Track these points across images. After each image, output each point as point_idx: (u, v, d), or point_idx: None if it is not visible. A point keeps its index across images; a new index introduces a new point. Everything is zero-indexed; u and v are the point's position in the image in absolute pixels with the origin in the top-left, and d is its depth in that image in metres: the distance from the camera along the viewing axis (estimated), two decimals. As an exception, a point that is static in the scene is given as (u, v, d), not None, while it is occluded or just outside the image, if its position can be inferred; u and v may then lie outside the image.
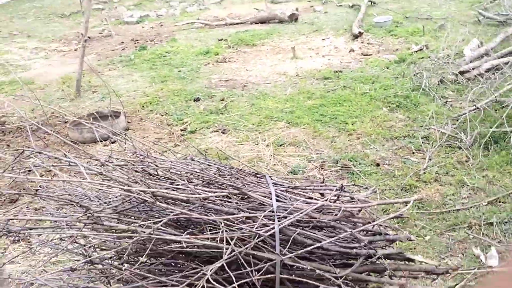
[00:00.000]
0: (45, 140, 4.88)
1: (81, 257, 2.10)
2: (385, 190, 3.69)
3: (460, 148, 4.25)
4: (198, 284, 1.75)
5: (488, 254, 2.98)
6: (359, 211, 2.23)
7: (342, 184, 2.22)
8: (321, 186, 2.35)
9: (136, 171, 2.20)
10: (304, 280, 2.03)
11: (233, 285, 1.83)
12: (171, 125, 5.35)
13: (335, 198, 2.24)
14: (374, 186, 3.45)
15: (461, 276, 2.83)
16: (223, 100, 5.92)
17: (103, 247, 2.11)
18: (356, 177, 3.94)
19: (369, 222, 2.19)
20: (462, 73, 5.68)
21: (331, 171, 4.08)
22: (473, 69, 5.68)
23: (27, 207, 3.69)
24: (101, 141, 4.01)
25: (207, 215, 2.01)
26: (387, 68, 6.58)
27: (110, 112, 5.25)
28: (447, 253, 3.06)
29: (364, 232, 2.22)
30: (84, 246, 2.05)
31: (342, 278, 2.05)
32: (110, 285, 1.99)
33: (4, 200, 3.87)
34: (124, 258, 2.13)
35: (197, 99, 5.98)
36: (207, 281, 1.81)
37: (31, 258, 3.14)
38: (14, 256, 2.84)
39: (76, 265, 2.06)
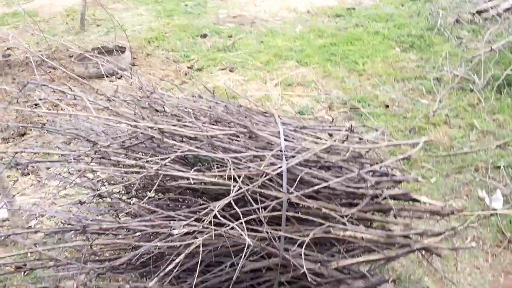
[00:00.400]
0: (50, 74, 4.83)
1: (89, 190, 2.12)
2: (394, 132, 3.66)
3: (472, 90, 4.17)
4: (206, 219, 1.77)
5: (493, 197, 2.99)
6: (367, 152, 2.21)
7: (351, 125, 2.19)
8: (330, 127, 2.32)
9: (143, 107, 2.17)
10: (310, 218, 2.05)
11: (240, 220, 1.84)
12: (177, 62, 5.25)
13: (344, 138, 2.22)
14: (383, 127, 3.42)
15: (465, 217, 2.87)
16: (231, 37, 5.76)
17: (111, 182, 2.13)
18: (364, 119, 3.90)
19: (377, 163, 2.17)
20: (479, 12, 5.45)
21: (339, 112, 4.04)
22: (491, 8, 5.44)
23: (35, 141, 3.71)
24: (107, 77, 3.96)
25: (215, 153, 2.01)
26: (402, 6, 6.32)
27: (115, 46, 5.14)
28: (451, 195, 3.08)
29: (372, 173, 2.21)
30: (92, 180, 2.06)
31: (347, 217, 2.07)
32: (119, 218, 2.02)
33: (12, 134, 3.89)
34: (132, 193, 2.16)
35: (204, 35, 5.82)
36: (214, 216, 1.83)
37: (40, 191, 3.20)
38: (23, 188, 2.89)
39: (85, 198, 2.09)
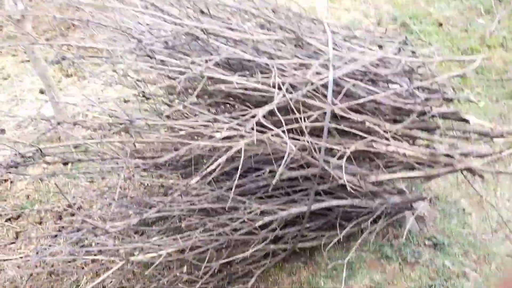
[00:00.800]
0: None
1: (133, 90, 2.12)
2: (446, 52, 3.47)
3: (536, 11, 3.84)
4: (249, 124, 1.76)
5: (545, 125, 2.86)
6: (419, 67, 2.10)
7: (406, 37, 2.06)
8: (381, 38, 2.19)
9: (188, 7, 2.09)
10: (353, 131, 2.01)
11: (282, 128, 1.82)
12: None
13: (396, 51, 2.10)
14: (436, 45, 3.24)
15: (511, 143, 2.76)
16: None
17: (155, 83, 2.12)
18: (415, 36, 3.69)
19: (428, 79, 2.07)
20: None
21: (388, 29, 3.82)
22: None
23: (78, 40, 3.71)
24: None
25: (260, 58, 1.95)
26: None
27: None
28: (499, 121, 2.96)
29: (422, 89, 2.12)
30: (137, 79, 2.06)
31: (391, 133, 2.02)
32: (161, 119, 2.04)
33: (55, 34, 3.90)
34: (175, 95, 2.15)
35: None
36: (257, 123, 1.81)
37: (84, 91, 3.25)
38: (66, 86, 2.93)
39: (128, 97, 2.11)
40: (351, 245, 2.34)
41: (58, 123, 1.70)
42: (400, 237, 2.33)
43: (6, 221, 2.73)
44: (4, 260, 2.37)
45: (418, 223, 2.43)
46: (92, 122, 2.03)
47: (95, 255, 1.87)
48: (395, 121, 2.15)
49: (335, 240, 2.16)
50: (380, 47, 2.18)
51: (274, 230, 2.14)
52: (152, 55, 1.85)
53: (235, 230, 2.06)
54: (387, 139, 2.02)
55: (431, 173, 2.10)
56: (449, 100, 2.13)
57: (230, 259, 2.11)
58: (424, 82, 2.05)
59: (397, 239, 2.34)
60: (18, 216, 2.74)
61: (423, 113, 2.06)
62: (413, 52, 2.09)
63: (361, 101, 1.98)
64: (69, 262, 2.28)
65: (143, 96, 2.16)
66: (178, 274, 2.09)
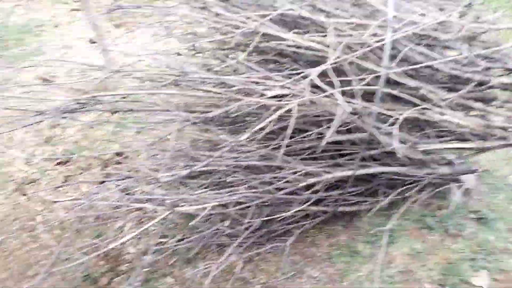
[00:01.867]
0: None
1: (186, 43, 2.12)
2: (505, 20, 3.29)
3: None
4: (302, 83, 1.74)
5: None
6: (483, 33, 1.99)
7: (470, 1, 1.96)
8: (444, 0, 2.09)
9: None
10: (406, 97, 1.96)
11: (335, 90, 1.79)
12: None
13: (459, 15, 2.00)
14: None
15: None
16: None
17: (209, 38, 2.10)
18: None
19: (490, 47, 1.97)
20: None
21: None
22: None
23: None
24: None
25: (317, 16, 1.90)
26: None
27: None
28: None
29: (482, 58, 2.02)
30: (189, 33, 2.05)
31: (447, 101, 1.95)
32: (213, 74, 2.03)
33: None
34: (227, 51, 2.14)
35: None
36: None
37: (132, 42, 3.27)
38: (115, 38, 2.95)
39: (177, 50, 2.10)
40: (391, 213, 2.32)
41: (114, 72, 1.72)
42: (444, 209, 2.29)
43: (55, 165, 2.84)
44: (55, 202, 2.48)
45: (464, 195, 2.38)
46: (144, 73, 2.04)
47: (143, 203, 1.93)
48: (450, 90, 2.07)
49: (378, 206, 2.15)
50: (442, 10, 2.08)
51: (317, 192, 2.14)
52: (208, 7, 1.83)
53: (278, 189, 2.07)
54: (440, 107, 1.96)
55: (484, 145, 2.03)
56: (510, 71, 2.03)
57: (272, 217, 2.14)
58: (486, 50, 1.95)
59: (440, 210, 2.31)
60: (67, 161, 2.84)
61: (481, 83, 1.97)
62: (477, 18, 1.99)
63: (418, 66, 1.91)
64: (115, 208, 2.37)
65: (194, 49, 2.16)
66: (220, 227, 2.15)
